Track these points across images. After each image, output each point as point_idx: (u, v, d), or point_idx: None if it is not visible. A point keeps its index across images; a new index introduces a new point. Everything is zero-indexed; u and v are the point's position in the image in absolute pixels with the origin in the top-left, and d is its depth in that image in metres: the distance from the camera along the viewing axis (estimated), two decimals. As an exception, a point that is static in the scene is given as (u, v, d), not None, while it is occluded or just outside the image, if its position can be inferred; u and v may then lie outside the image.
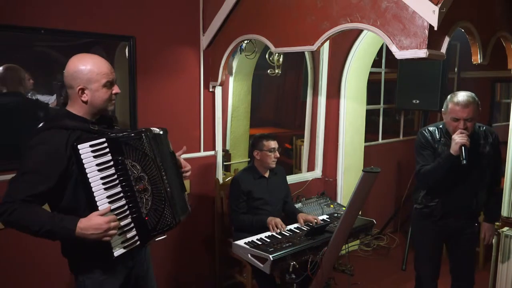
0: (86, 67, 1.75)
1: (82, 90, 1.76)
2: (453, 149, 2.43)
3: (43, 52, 2.58)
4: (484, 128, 2.68)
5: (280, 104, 7.73)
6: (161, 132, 1.95)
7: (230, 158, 4.80)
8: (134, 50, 2.88)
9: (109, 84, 1.80)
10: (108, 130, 1.85)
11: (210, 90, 3.35)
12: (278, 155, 3.14)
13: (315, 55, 4.20)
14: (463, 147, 2.40)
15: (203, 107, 3.33)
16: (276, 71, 4.09)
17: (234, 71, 4.74)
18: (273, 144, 3.11)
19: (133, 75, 2.88)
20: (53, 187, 1.68)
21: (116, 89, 1.84)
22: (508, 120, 3.22)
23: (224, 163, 3.90)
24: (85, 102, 1.78)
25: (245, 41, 3.66)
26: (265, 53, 4.11)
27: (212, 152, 3.43)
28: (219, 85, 3.34)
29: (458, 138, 2.41)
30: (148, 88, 3.00)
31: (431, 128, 2.67)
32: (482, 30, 2.48)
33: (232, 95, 4.87)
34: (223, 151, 3.58)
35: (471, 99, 2.48)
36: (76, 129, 1.74)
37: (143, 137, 1.81)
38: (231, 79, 4.81)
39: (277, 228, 2.84)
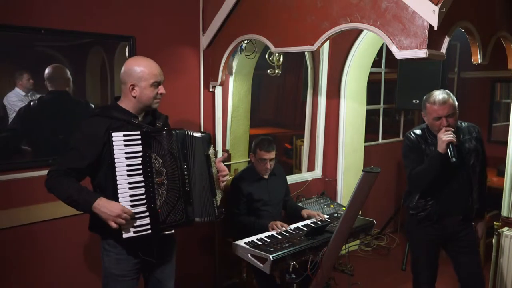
0: (140, 67, 2.02)
1: (133, 86, 2.02)
2: (441, 148, 2.41)
3: (43, 52, 2.58)
4: (466, 124, 2.66)
5: (280, 104, 7.73)
6: (196, 135, 2.14)
7: (230, 158, 4.80)
8: (134, 50, 2.87)
9: (156, 84, 2.05)
10: (147, 125, 2.06)
11: (210, 90, 3.35)
12: (268, 166, 3.05)
13: (315, 55, 4.20)
14: (450, 145, 2.38)
15: (203, 107, 3.33)
16: (276, 71, 4.09)
17: (234, 71, 4.74)
18: (266, 155, 3.02)
19: (133, 75, 2.89)
20: (89, 165, 1.95)
21: (161, 90, 2.08)
22: (508, 120, 3.22)
23: (224, 163, 3.89)
24: (134, 97, 2.03)
25: (245, 41, 3.65)
26: (265, 53, 4.11)
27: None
28: (219, 85, 3.34)
29: (444, 136, 2.39)
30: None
31: (417, 131, 2.63)
32: (482, 30, 2.48)
33: (232, 95, 4.86)
34: (223, 151, 3.58)
35: (446, 95, 2.47)
36: (119, 119, 1.99)
37: (173, 136, 2.04)
38: (231, 79, 4.79)
39: (279, 228, 2.80)
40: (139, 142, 1.94)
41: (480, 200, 2.68)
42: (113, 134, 1.89)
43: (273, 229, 2.80)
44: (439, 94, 2.48)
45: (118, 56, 2.86)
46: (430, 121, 2.53)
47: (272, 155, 3.05)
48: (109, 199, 1.89)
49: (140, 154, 1.94)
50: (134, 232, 1.90)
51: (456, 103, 2.49)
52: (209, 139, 2.20)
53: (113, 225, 1.84)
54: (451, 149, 2.37)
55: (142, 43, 2.91)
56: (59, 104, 2.66)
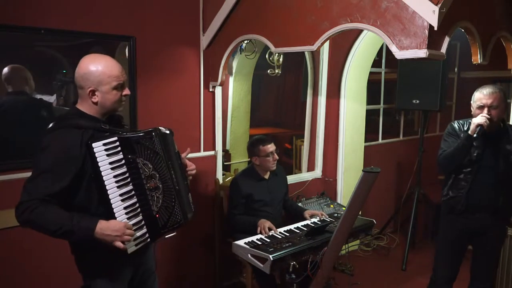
0: (98, 68, 1.77)
1: (93, 92, 1.78)
2: (471, 129, 2.53)
3: (43, 52, 2.58)
4: None
5: (280, 104, 7.73)
6: (167, 132, 1.98)
7: (230, 158, 4.81)
8: (134, 50, 2.87)
9: (119, 87, 1.82)
10: (119, 129, 1.88)
11: (210, 90, 3.35)
12: (277, 157, 3.11)
13: (315, 55, 4.20)
14: (479, 127, 2.49)
15: (203, 107, 3.33)
16: (276, 71, 4.09)
17: (234, 71, 4.75)
18: (270, 147, 3.07)
19: (133, 75, 2.88)
20: (68, 186, 1.70)
21: (126, 91, 1.86)
22: (508, 120, 3.23)
23: (224, 163, 3.90)
24: (95, 103, 1.80)
25: (245, 41, 3.65)
26: (265, 53, 4.12)
27: (212, 152, 3.43)
28: (219, 85, 3.33)
29: (477, 119, 2.52)
30: (148, 88, 3.00)
31: (461, 121, 2.75)
32: (482, 30, 2.48)
33: (232, 95, 4.87)
34: (223, 151, 3.58)
35: (496, 88, 2.58)
36: (88, 128, 1.76)
37: (154, 136, 1.85)
38: (231, 79, 4.81)
39: (266, 232, 2.76)
40: (119, 149, 1.76)
41: None
42: (93, 145, 1.70)
43: (260, 229, 2.78)
44: (490, 86, 2.60)
45: (118, 56, 2.85)
46: (475, 110, 2.62)
47: (274, 146, 3.11)
48: (92, 217, 1.72)
49: (123, 162, 1.77)
50: (136, 244, 1.80)
51: (505, 99, 2.58)
52: (173, 135, 2.04)
53: (121, 245, 1.69)
54: (479, 130, 2.50)
55: (142, 43, 2.91)
56: (19, 105, 2.53)
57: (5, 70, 2.43)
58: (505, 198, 2.62)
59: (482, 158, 2.59)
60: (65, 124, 1.76)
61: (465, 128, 2.68)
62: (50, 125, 1.79)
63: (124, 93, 1.85)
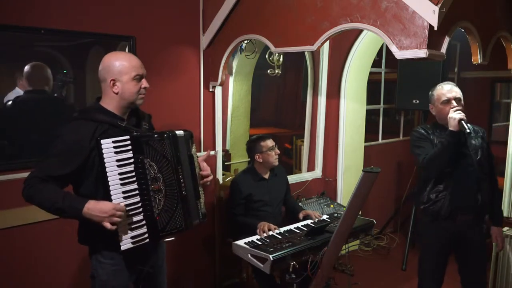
0: (119, 61, 1.89)
1: (114, 82, 1.88)
2: (452, 126, 2.42)
3: (43, 52, 2.58)
4: (471, 124, 2.62)
5: (280, 104, 7.73)
6: (183, 134, 2.02)
7: (230, 158, 4.81)
8: (134, 50, 2.87)
9: (138, 78, 1.92)
10: (135, 128, 1.94)
11: (210, 90, 3.35)
12: (278, 151, 3.15)
13: (315, 55, 4.20)
14: (462, 121, 2.40)
15: (203, 107, 3.33)
16: (276, 71, 4.09)
17: (234, 71, 4.75)
18: (270, 142, 3.11)
19: (133, 75, 2.88)
20: (71, 173, 1.80)
21: (145, 83, 1.95)
22: (508, 120, 3.23)
23: (224, 163, 3.90)
24: (116, 94, 1.89)
25: (245, 41, 3.65)
26: (265, 53, 4.11)
27: (212, 152, 3.43)
28: (219, 85, 3.34)
29: (455, 114, 2.42)
30: (148, 88, 2.99)
31: (423, 126, 2.69)
32: (482, 30, 2.48)
33: (232, 95, 4.87)
34: (223, 151, 3.58)
35: (453, 83, 2.59)
36: (105, 122, 1.85)
37: (165, 139, 1.92)
38: (231, 79, 4.81)
39: (265, 232, 2.74)
40: (130, 148, 1.81)
41: (494, 203, 2.66)
42: (102, 141, 1.75)
43: (262, 231, 2.76)
44: (445, 83, 2.59)
45: (118, 56, 2.85)
46: (439, 108, 2.56)
47: (273, 141, 3.14)
48: (84, 198, 1.78)
49: (132, 160, 1.81)
50: (133, 242, 1.81)
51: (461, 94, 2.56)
52: (191, 137, 2.09)
53: (108, 226, 1.72)
54: (464, 123, 2.40)
55: (142, 43, 2.91)
56: (37, 104, 2.56)
57: (28, 67, 2.48)
58: (483, 196, 2.56)
59: (458, 158, 2.52)
60: (83, 116, 1.86)
61: (431, 131, 2.61)
62: (73, 115, 1.90)
63: (143, 85, 1.93)
